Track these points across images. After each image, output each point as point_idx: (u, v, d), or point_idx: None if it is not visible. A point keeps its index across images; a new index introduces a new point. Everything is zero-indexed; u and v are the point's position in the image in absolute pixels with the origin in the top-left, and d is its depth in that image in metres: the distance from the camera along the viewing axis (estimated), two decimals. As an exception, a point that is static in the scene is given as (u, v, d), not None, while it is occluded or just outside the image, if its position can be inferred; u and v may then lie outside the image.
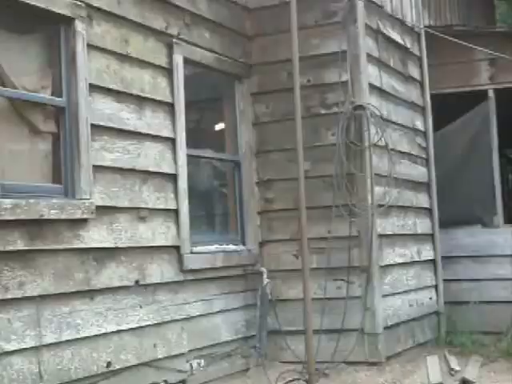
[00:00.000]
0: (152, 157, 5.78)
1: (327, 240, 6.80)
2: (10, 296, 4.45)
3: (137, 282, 5.48)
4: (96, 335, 5.06)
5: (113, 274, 5.25)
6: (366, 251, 6.71)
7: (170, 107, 6.04)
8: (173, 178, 6.00)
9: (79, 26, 5.09)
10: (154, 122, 5.84)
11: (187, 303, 6.02)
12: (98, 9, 5.32)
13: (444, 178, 8.62)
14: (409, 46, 8.23)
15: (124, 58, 5.56)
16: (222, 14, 6.82)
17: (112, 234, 5.29)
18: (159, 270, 5.73)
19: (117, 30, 5.51)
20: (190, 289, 6.07)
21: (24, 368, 4.51)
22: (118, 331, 5.26)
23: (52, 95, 5.06)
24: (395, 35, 7.85)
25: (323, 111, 6.98)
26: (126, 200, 5.46)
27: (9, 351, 4.42)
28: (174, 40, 6.13)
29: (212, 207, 7.25)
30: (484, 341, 7.71)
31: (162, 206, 5.84)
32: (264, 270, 6.88)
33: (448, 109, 8.45)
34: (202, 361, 6.14)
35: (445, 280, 8.40)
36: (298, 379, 6.27)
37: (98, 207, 5.12)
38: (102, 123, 5.28)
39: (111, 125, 5.38)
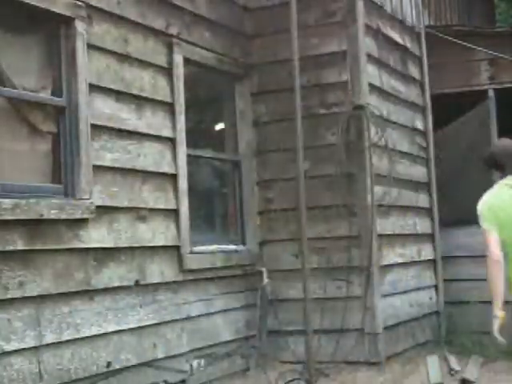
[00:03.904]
0: (152, 157, 5.78)
1: (327, 240, 6.80)
2: (9, 296, 4.45)
3: (137, 282, 5.48)
4: (96, 335, 5.06)
5: (113, 274, 5.25)
6: (366, 251, 6.71)
7: (170, 107, 6.04)
8: (173, 178, 6.00)
9: (79, 25, 5.09)
10: (153, 121, 5.84)
11: (187, 303, 6.01)
12: (98, 9, 5.32)
13: (444, 178, 8.62)
14: (409, 45, 8.24)
15: (124, 57, 5.56)
16: (221, 13, 6.82)
17: (112, 233, 5.29)
18: (159, 270, 5.73)
19: (117, 29, 5.51)
20: (189, 289, 6.07)
21: (24, 368, 4.51)
22: (118, 331, 5.26)
23: (52, 95, 5.06)
24: (395, 35, 7.85)
25: (323, 111, 6.97)
26: (125, 200, 5.46)
27: (9, 351, 4.42)
28: (174, 40, 6.13)
29: (212, 207, 7.24)
30: (484, 341, 7.70)
31: (161, 206, 5.84)
32: (264, 269, 6.88)
33: (448, 109, 8.44)
34: (202, 361, 6.14)
35: (445, 280, 8.40)
36: (298, 379, 6.28)
37: (98, 207, 5.12)
38: (101, 123, 5.28)
39: (111, 125, 5.38)
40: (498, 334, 4.29)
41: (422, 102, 8.49)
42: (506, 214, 4.37)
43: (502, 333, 4.30)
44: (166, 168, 5.94)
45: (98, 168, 5.19)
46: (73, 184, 5.01)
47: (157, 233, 5.75)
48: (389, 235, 7.23)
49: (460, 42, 8.12)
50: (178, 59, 6.15)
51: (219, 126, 7.49)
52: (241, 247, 6.92)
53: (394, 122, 7.64)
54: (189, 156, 6.20)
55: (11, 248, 4.48)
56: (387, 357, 6.80)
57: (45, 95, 5.01)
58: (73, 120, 5.05)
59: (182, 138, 6.10)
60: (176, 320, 5.87)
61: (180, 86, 6.13)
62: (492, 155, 4.62)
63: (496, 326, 4.27)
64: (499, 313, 4.27)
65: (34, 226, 4.63)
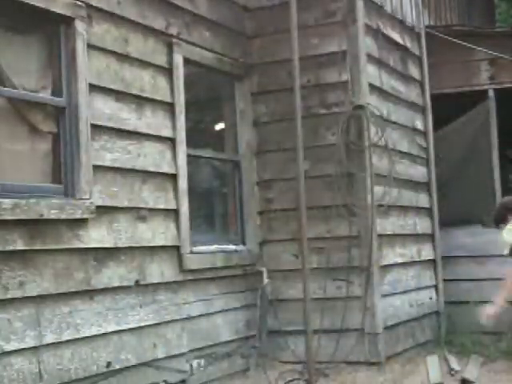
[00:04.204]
0: (152, 157, 5.78)
1: (327, 240, 6.79)
2: (10, 296, 4.45)
3: (137, 281, 5.48)
4: (96, 335, 5.06)
5: (113, 274, 5.25)
6: (366, 251, 6.71)
7: (170, 107, 6.04)
8: (173, 178, 6.00)
9: (79, 25, 5.09)
10: (153, 121, 5.83)
11: (187, 303, 6.01)
12: (98, 9, 5.32)
13: (444, 178, 8.62)
14: (409, 45, 8.24)
15: (124, 57, 5.56)
16: (221, 13, 6.82)
17: (112, 233, 5.28)
18: (159, 270, 5.73)
19: (117, 29, 5.51)
20: (189, 289, 6.06)
21: (24, 368, 4.51)
22: (118, 331, 5.26)
23: (52, 95, 5.06)
24: (395, 35, 7.85)
25: (323, 111, 6.97)
26: (125, 200, 5.46)
27: (9, 351, 4.41)
28: (174, 40, 6.13)
29: (212, 207, 7.24)
30: (484, 341, 7.70)
31: (161, 206, 5.83)
32: (264, 269, 6.88)
33: (448, 109, 8.44)
34: (202, 361, 6.14)
35: (445, 280, 8.40)
36: (298, 379, 6.28)
37: (98, 207, 5.12)
38: (101, 123, 5.28)
39: (111, 125, 5.38)
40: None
41: (422, 102, 8.49)
42: None
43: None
44: (166, 168, 5.94)
45: (98, 168, 5.19)
46: (73, 184, 5.01)
47: (157, 233, 5.75)
48: (389, 235, 7.23)
49: (460, 42, 8.12)
50: (178, 59, 6.15)
51: (219, 126, 7.49)
52: (241, 247, 6.92)
53: (394, 122, 7.64)
54: (189, 156, 6.19)
55: (11, 248, 4.48)
56: (387, 357, 6.80)
57: (45, 95, 5.01)
58: (73, 120, 5.05)
59: (181, 137, 6.10)
60: (176, 320, 5.87)
61: (180, 85, 6.13)
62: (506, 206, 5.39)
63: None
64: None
65: (34, 225, 4.63)
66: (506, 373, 6.64)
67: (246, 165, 7.09)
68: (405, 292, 7.49)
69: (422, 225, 8.20)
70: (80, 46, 5.09)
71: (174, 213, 5.98)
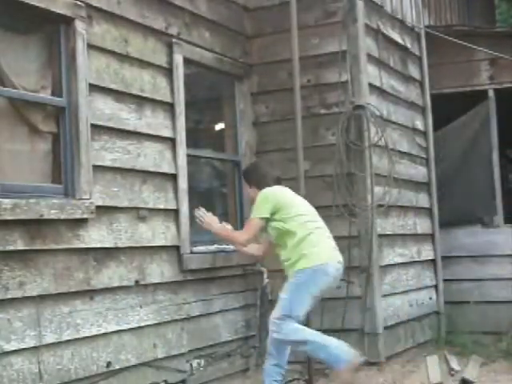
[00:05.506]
0: (152, 157, 5.78)
1: (327, 240, 6.78)
2: (10, 296, 4.45)
3: (137, 281, 5.48)
4: (96, 335, 5.06)
5: (113, 274, 5.25)
6: (366, 251, 6.71)
7: (170, 107, 6.04)
8: (173, 177, 6.00)
9: (79, 25, 5.09)
10: (153, 121, 5.83)
11: (187, 303, 6.01)
12: (98, 9, 5.32)
13: (444, 178, 8.62)
14: (409, 45, 8.24)
15: (124, 57, 5.56)
16: (221, 13, 6.82)
17: (112, 233, 5.28)
18: (159, 270, 5.73)
19: (117, 29, 5.51)
20: (189, 289, 6.06)
21: (24, 368, 4.51)
22: (118, 331, 5.26)
23: (52, 95, 5.06)
24: (395, 35, 7.85)
25: (323, 111, 6.97)
26: (125, 200, 5.46)
27: (9, 351, 4.42)
28: (174, 40, 6.13)
29: (212, 207, 7.21)
30: (484, 341, 7.70)
31: (161, 206, 5.83)
32: (264, 269, 6.87)
33: (448, 109, 8.45)
34: (202, 361, 6.14)
35: (445, 280, 8.40)
36: (298, 379, 6.28)
37: (98, 207, 5.12)
38: (101, 123, 5.27)
39: (111, 125, 5.37)
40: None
41: (422, 102, 8.49)
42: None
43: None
44: (166, 168, 5.94)
45: (97, 168, 5.19)
46: (73, 184, 5.01)
47: (157, 233, 5.75)
48: (389, 235, 7.23)
49: (460, 42, 8.12)
50: (178, 59, 6.14)
51: (219, 126, 7.49)
52: (241, 247, 6.90)
53: (394, 122, 7.64)
54: (189, 156, 6.19)
55: (11, 248, 4.48)
56: (387, 357, 6.80)
57: (45, 95, 5.01)
58: (73, 120, 5.05)
59: (182, 138, 6.10)
60: (176, 320, 5.87)
61: (180, 85, 6.13)
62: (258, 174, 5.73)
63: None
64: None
65: (34, 225, 4.63)
66: (506, 373, 6.63)
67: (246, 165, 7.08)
68: (405, 292, 7.49)
69: (422, 225, 8.20)
70: (80, 46, 5.09)
71: (174, 213, 5.98)
